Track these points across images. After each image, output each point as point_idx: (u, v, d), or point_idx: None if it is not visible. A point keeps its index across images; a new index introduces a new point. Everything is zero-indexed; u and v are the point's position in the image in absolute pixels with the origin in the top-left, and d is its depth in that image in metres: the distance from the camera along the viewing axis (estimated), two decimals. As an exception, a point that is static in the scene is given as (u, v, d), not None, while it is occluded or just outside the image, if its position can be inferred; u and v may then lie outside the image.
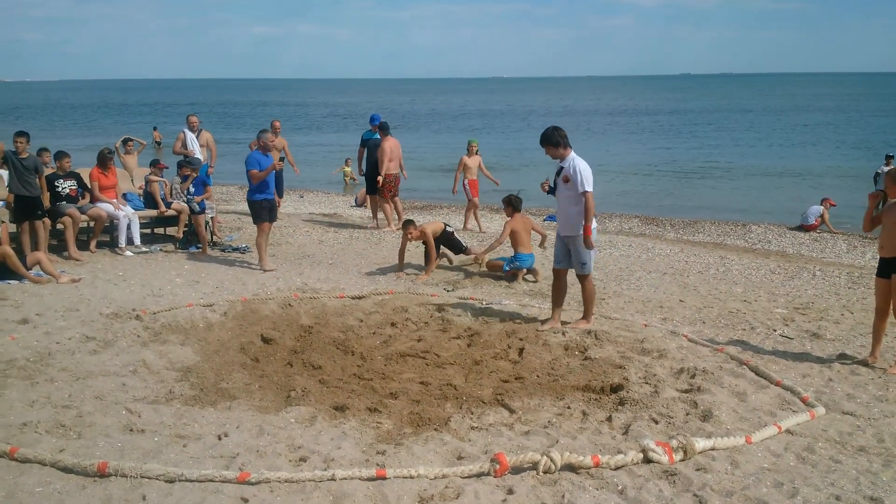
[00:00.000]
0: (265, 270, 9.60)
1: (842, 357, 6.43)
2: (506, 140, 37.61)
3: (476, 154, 13.87)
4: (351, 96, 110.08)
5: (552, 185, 7.18)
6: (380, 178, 12.73)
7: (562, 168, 6.98)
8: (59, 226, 10.17)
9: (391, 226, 13.11)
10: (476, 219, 14.13)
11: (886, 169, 17.52)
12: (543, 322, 7.28)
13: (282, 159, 9.87)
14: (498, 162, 24.45)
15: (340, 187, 21.79)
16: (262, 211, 9.80)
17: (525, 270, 9.32)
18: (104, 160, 10.72)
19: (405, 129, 43.30)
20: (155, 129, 18.68)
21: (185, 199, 11.15)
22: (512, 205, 9.34)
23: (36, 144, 10.71)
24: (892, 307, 6.18)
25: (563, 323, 7.24)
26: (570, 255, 7.17)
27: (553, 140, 6.94)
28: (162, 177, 11.55)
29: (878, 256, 6.35)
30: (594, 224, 7.06)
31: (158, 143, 29.89)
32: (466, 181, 13.76)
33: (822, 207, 14.74)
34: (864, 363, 6.20)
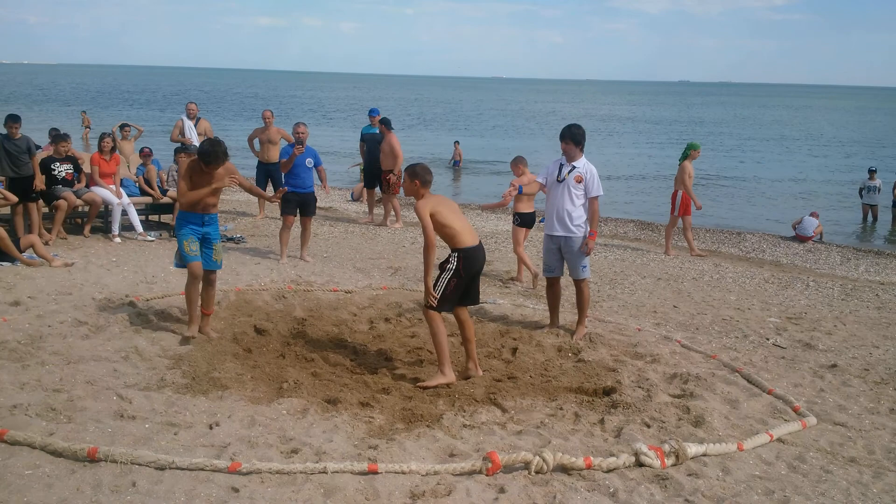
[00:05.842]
0: (280, 261, 9.58)
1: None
2: (531, 140, 37.34)
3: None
4: (363, 90, 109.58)
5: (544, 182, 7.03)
6: (392, 177, 12.35)
7: (573, 167, 6.89)
8: (49, 209, 10.12)
9: (399, 223, 13.05)
10: (667, 239, 12.13)
11: (871, 183, 17.54)
12: (544, 328, 7.19)
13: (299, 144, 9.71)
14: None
15: (345, 181, 21.50)
16: (287, 204, 9.66)
17: None
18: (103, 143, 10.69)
19: (420, 126, 42.93)
20: (84, 112, 18.00)
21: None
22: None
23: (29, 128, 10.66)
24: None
25: (561, 327, 7.16)
26: (562, 260, 7.06)
27: (576, 138, 6.86)
28: (151, 164, 11.48)
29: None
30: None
31: (88, 129, 27.83)
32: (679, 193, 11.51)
33: (817, 221, 14.69)
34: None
